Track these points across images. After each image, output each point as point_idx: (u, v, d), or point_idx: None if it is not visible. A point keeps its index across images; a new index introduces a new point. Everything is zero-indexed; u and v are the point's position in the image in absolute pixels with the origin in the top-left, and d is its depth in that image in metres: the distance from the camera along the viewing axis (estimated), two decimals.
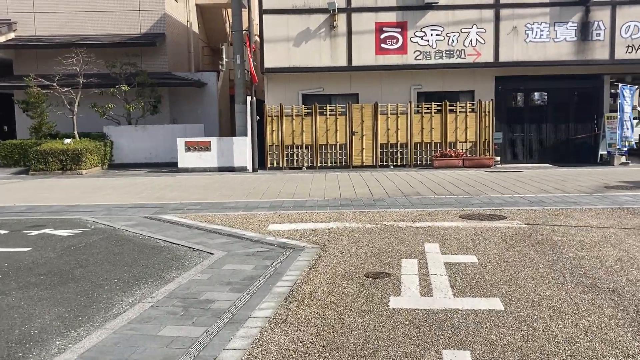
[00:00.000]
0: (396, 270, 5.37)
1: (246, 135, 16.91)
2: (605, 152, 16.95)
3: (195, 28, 24.56)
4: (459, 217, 8.31)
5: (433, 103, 17.01)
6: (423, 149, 17.14)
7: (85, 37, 20.28)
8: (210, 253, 6.29)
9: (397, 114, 17.06)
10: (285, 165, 17.19)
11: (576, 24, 16.47)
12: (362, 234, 7.13)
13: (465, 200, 9.90)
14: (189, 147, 16.94)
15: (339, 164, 17.19)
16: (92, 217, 8.93)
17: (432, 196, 10.51)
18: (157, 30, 20.77)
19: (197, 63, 24.68)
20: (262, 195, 11.07)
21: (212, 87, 21.42)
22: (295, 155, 17.21)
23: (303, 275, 5.30)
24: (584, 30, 16.47)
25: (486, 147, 17.14)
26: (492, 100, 17.06)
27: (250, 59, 16.45)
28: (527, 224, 7.64)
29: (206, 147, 16.98)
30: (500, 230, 7.28)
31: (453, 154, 16.69)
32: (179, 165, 17.02)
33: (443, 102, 16.97)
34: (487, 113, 17.04)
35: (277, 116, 17.12)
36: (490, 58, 16.73)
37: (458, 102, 17.07)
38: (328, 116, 17.06)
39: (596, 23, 16.43)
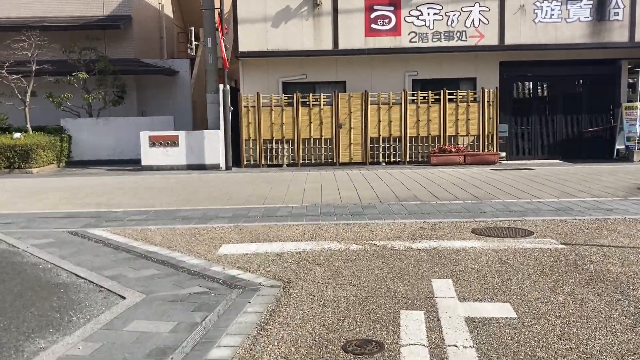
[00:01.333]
0: (392, 336, 3.43)
1: (219, 128, 14.90)
2: (623, 147, 15.10)
3: (168, 12, 22.44)
4: (472, 232, 6.40)
5: (430, 92, 15.08)
6: (419, 143, 15.21)
7: (41, 20, 18.12)
8: (122, 297, 4.32)
9: (389, 104, 15.11)
10: (263, 162, 15.21)
11: (591, 2, 14.56)
12: (344, 262, 5.18)
13: (474, 208, 7.98)
14: (154, 142, 14.92)
15: (324, 160, 15.23)
16: (1, 231, 6.92)
17: (433, 201, 8.59)
18: (123, 12, 18.66)
19: (170, 50, 22.54)
20: (228, 201, 9.09)
21: (185, 75, 19.35)
22: (274, 151, 15.22)
23: (244, 348, 3.34)
24: (601, 9, 14.57)
25: (490, 142, 15.23)
26: (496, 88, 15.15)
27: (222, 41, 14.42)
28: (564, 244, 5.72)
29: (173, 142, 14.96)
30: (533, 254, 5.35)
31: (453, 150, 14.77)
32: (142, 163, 14.99)
33: (441, 91, 15.06)
34: (490, 103, 15.13)
35: (254, 107, 15.12)
36: (494, 41, 14.80)
37: (458, 91, 15.16)
38: (311, 107, 15.09)
39: (614, 1, 14.53)
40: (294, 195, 9.56)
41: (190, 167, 14.97)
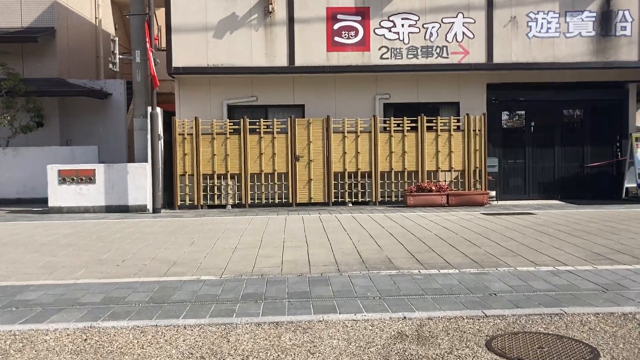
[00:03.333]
0: None
1: (147, 160, 12.02)
2: (634, 185, 12.70)
3: (109, 28, 19.66)
4: (487, 347, 3.66)
5: (405, 118, 12.53)
6: (392, 180, 12.57)
7: None
8: None
9: (357, 132, 12.50)
10: (202, 202, 12.34)
11: (594, 14, 12.32)
12: None
13: (478, 284, 5.26)
14: (64, 177, 11.94)
15: (277, 200, 12.45)
16: None
17: (416, 270, 5.85)
18: (44, 23, 15.82)
19: (111, 72, 19.69)
20: (116, 267, 6.19)
21: (120, 98, 16.49)
22: (216, 188, 12.38)
23: None
24: (605, 23, 12.33)
25: (477, 178, 12.69)
26: (483, 115, 12.69)
27: (151, 54, 11.68)
28: None
29: (89, 178, 12.00)
30: None
31: (433, 188, 12.16)
32: (50, 204, 11.97)
33: (419, 117, 12.53)
34: (477, 132, 12.65)
35: (192, 134, 12.32)
36: (481, 58, 12.40)
37: (439, 117, 12.65)
38: (262, 135, 12.37)
39: (621, 13, 12.31)
40: (217, 257, 6.72)
41: (109, 209, 12.01)
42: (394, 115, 12.90)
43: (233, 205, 12.48)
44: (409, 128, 12.56)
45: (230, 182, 12.42)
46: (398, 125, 12.55)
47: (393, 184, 12.57)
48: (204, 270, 6.04)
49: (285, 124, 12.46)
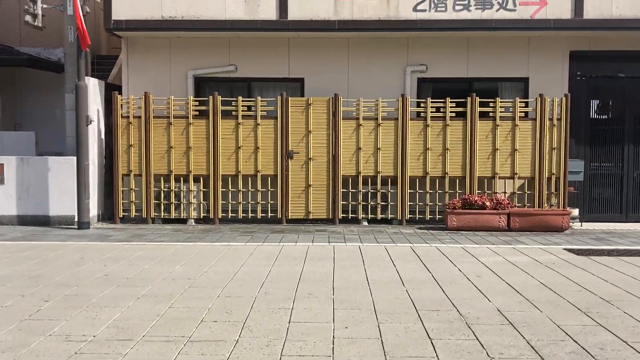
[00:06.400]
0: None
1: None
2: None
3: None
4: None
5: (449, 99, 8.57)
6: (427, 189, 8.64)
7: None
8: None
9: (377, 118, 8.61)
10: (153, 214, 8.69)
11: None
12: None
13: None
14: None
15: (260, 214, 8.69)
16: None
17: None
18: None
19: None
20: None
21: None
22: (174, 195, 8.70)
23: None
24: None
25: (553, 190, 8.65)
26: (565, 97, 8.61)
27: (78, 2, 8.03)
28: None
29: None
30: None
31: (488, 203, 8.18)
32: None
33: (469, 99, 8.55)
34: (555, 122, 8.60)
35: (141, 117, 8.67)
36: (564, 11, 8.32)
37: (499, 99, 8.64)
38: (241, 120, 8.62)
39: None
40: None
41: (23, 221, 8.51)
42: (432, 95, 8.97)
43: (197, 220, 8.78)
44: (454, 114, 8.60)
45: (193, 188, 8.72)
46: (438, 109, 8.61)
47: (428, 196, 8.64)
48: None
49: (274, 105, 8.67)
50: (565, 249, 6.82)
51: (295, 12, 8.38)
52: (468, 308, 4.26)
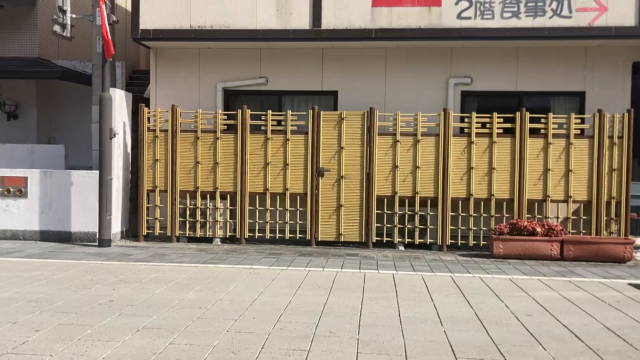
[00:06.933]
0: None
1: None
2: None
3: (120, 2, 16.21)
4: None
5: (496, 115, 7.85)
6: (471, 212, 7.90)
7: None
8: None
9: (416, 134, 7.96)
10: (178, 232, 8.25)
11: None
12: None
13: None
14: None
15: (288, 235, 8.13)
16: None
17: None
18: None
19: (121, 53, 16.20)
20: None
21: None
22: (200, 213, 8.25)
23: None
24: None
25: (613, 216, 7.78)
26: (628, 112, 7.77)
27: (103, 6, 7.76)
28: None
29: (19, 190, 8.27)
30: None
31: (539, 229, 7.38)
32: None
33: (518, 114, 7.81)
34: (615, 141, 7.76)
35: (168, 131, 8.29)
36: (627, 17, 7.54)
37: (551, 115, 7.87)
38: (270, 135, 8.13)
39: None
40: None
41: (45, 237, 8.22)
42: (476, 110, 8.26)
43: (223, 239, 8.30)
44: (501, 130, 7.87)
45: (220, 205, 8.25)
46: (483, 125, 7.90)
47: (471, 219, 7.90)
48: None
49: (305, 119, 8.15)
50: (630, 284, 5.98)
51: (329, 21, 7.88)
52: (518, 357, 3.56)
